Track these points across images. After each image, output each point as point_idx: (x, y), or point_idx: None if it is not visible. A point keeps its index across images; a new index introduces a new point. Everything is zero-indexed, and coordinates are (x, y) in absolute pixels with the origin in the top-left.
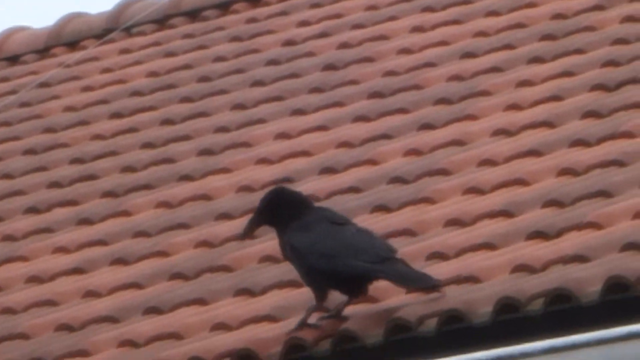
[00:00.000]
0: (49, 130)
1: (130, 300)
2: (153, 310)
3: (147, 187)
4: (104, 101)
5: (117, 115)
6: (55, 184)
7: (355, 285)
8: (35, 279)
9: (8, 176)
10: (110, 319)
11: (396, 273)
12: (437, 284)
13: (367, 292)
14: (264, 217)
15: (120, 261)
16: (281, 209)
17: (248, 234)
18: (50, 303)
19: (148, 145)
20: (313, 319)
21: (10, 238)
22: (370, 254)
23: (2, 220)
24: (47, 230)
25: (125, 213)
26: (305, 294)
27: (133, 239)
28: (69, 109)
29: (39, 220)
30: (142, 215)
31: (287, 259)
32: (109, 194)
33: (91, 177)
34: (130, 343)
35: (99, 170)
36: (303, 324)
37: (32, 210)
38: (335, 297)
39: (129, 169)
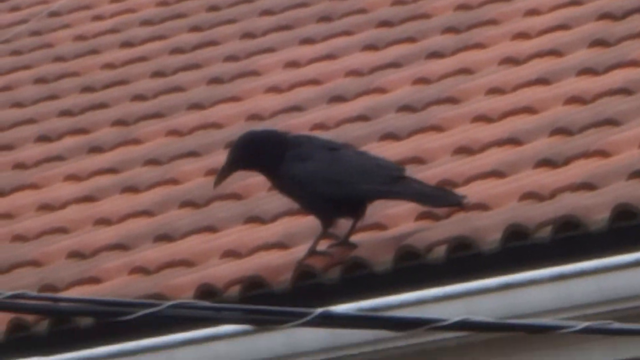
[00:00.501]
0: (59, 59)
1: (141, 228)
2: (163, 237)
3: (157, 115)
4: (113, 30)
5: (127, 44)
6: (65, 113)
7: (360, 208)
8: (46, 207)
9: (19, 105)
10: (121, 246)
11: (416, 192)
12: (460, 200)
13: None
14: (243, 164)
15: (130, 189)
16: (261, 151)
17: (219, 183)
18: (61, 230)
19: (158, 74)
20: (322, 247)
21: (21, 166)
22: (381, 175)
23: (13, 148)
24: (58, 158)
25: (136, 141)
26: (314, 221)
27: (143, 167)
28: (79, 38)
29: (49, 149)
30: (152, 143)
31: (285, 192)
32: (119, 122)
33: (101, 105)
34: (140, 270)
35: (109, 98)
36: (312, 252)
37: (43, 138)
38: (343, 225)
39: (139, 97)
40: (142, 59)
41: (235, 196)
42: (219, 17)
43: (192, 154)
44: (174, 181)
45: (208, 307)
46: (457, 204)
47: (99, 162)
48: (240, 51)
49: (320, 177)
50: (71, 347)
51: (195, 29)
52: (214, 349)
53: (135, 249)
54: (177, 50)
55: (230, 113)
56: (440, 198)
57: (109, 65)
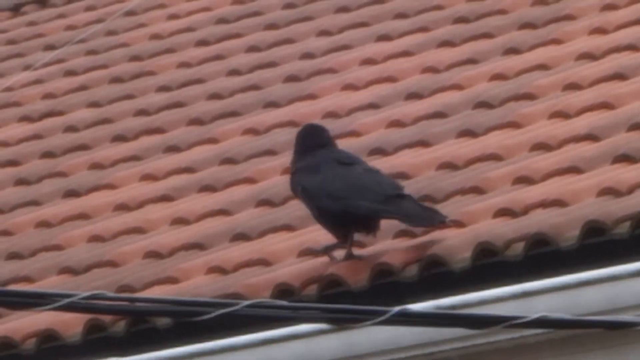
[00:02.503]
0: (136, 58)
1: (217, 227)
2: (241, 236)
3: (233, 114)
4: (189, 29)
5: (202, 42)
6: (142, 112)
7: (366, 224)
8: (123, 207)
9: (95, 104)
10: (198, 245)
11: (402, 211)
12: (443, 220)
13: (378, 229)
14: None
15: (208, 188)
16: (300, 147)
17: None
18: (137, 230)
19: (234, 72)
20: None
21: (98, 166)
22: (376, 193)
23: (90, 148)
24: (135, 158)
25: (212, 140)
26: (389, 221)
27: (220, 165)
28: (155, 37)
29: (126, 149)
30: (229, 142)
31: (299, 198)
32: (196, 121)
33: (178, 104)
34: (218, 269)
35: (186, 97)
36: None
37: (120, 138)
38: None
39: (215, 96)
40: (217, 57)
41: None
42: (295, 14)
43: (269, 152)
44: (250, 180)
45: (285, 306)
46: (439, 225)
47: (175, 162)
48: (317, 49)
49: (324, 191)
50: (148, 347)
51: (271, 26)
52: (292, 348)
53: (212, 249)
54: (253, 49)
55: (307, 111)
56: (425, 219)
57: (185, 64)
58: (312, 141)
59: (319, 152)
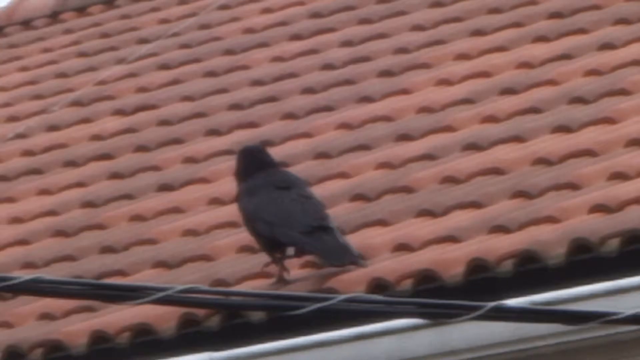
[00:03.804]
0: (229, 52)
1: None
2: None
3: (327, 108)
4: (283, 23)
5: (296, 37)
6: (236, 106)
7: (295, 251)
8: (217, 201)
9: (189, 98)
10: None
11: (319, 247)
12: (354, 260)
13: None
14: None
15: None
16: (242, 169)
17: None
18: (231, 225)
19: (328, 66)
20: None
21: (192, 160)
22: (302, 224)
23: (184, 142)
24: (229, 152)
25: (307, 134)
26: (486, 214)
27: (314, 160)
28: (249, 30)
29: (220, 142)
30: (323, 136)
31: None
32: (289, 115)
33: (272, 99)
34: (312, 264)
35: (280, 92)
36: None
37: (214, 132)
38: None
39: (309, 90)
40: (311, 51)
41: (407, 189)
42: (389, 9)
43: (363, 147)
44: (344, 175)
45: (381, 300)
46: (352, 263)
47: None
48: (411, 43)
49: (258, 216)
50: (242, 341)
51: (365, 21)
52: (385, 343)
53: None
54: (347, 43)
55: (400, 106)
56: (337, 257)
57: (278, 58)
58: (253, 164)
59: (259, 175)
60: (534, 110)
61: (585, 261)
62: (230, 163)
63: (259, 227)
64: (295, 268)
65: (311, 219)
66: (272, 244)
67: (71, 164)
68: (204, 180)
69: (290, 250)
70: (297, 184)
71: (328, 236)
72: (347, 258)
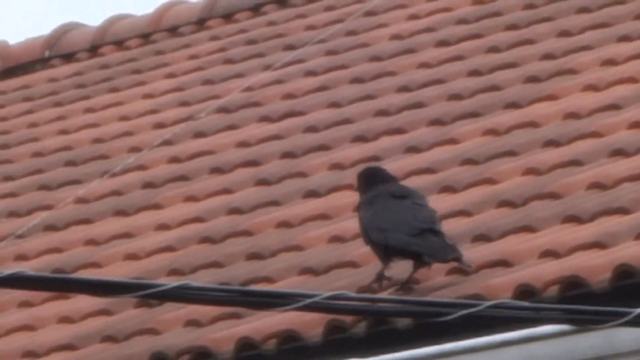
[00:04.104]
0: (376, 58)
1: (458, 228)
2: (481, 237)
3: (473, 114)
4: (430, 29)
5: (443, 43)
6: (382, 112)
7: (405, 255)
8: None
9: (336, 105)
10: None
11: (424, 245)
12: (457, 257)
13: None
14: (356, 186)
15: (448, 189)
16: (362, 185)
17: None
18: None
19: (474, 73)
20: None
21: (338, 166)
22: (411, 227)
23: (331, 148)
24: (375, 158)
25: (452, 141)
26: (633, 220)
27: (460, 166)
28: (395, 37)
29: (366, 149)
30: (469, 142)
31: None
32: (436, 122)
33: (418, 105)
34: (459, 270)
35: (426, 98)
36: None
37: (360, 138)
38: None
39: (455, 96)
40: (458, 57)
41: (554, 195)
42: (535, 15)
43: (509, 153)
44: (491, 181)
45: (527, 307)
46: (456, 260)
47: (415, 162)
48: (557, 49)
49: (373, 224)
50: (389, 348)
51: (512, 27)
52: (533, 349)
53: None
54: (493, 49)
55: (547, 112)
56: (442, 254)
57: (425, 65)
58: (373, 179)
59: (378, 187)
60: None
61: None
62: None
63: (374, 234)
64: (442, 275)
65: (421, 222)
66: (385, 250)
67: (217, 170)
68: (350, 187)
69: (427, 259)
70: (413, 194)
71: (435, 237)
72: (450, 254)
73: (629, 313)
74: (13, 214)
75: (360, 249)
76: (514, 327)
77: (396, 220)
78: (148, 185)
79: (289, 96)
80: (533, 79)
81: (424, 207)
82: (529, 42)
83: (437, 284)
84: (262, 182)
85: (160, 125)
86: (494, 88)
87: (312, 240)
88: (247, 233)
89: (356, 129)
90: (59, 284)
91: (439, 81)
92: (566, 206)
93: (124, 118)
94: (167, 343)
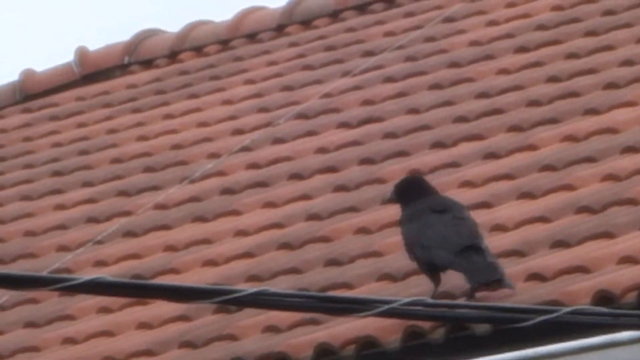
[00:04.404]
0: (455, 64)
1: (537, 234)
2: (560, 243)
3: (552, 120)
4: (509, 35)
5: (522, 49)
6: (461, 119)
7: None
8: None
9: (414, 111)
10: (517, 252)
11: (467, 266)
12: (499, 278)
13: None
14: (395, 198)
15: (526, 195)
16: (404, 194)
17: (384, 202)
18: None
19: (553, 79)
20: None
21: (417, 173)
22: (454, 244)
23: (409, 154)
24: (454, 164)
25: (531, 147)
26: None
27: (539, 172)
28: (474, 43)
29: (445, 155)
30: (548, 149)
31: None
32: (515, 128)
33: (497, 111)
34: (537, 277)
35: (505, 104)
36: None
37: (439, 144)
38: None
39: (534, 103)
40: (537, 64)
41: (632, 201)
42: (615, 21)
43: (588, 159)
44: (569, 187)
45: (606, 313)
46: (493, 282)
47: (494, 168)
48: (636, 55)
49: (417, 241)
50: (467, 354)
51: (591, 33)
52: (612, 355)
53: (531, 255)
54: (572, 55)
55: (626, 118)
56: (483, 275)
57: (504, 71)
58: (413, 191)
59: (418, 201)
60: None
61: None
62: (456, 175)
63: (418, 251)
64: (521, 280)
65: (463, 239)
66: (431, 267)
67: (296, 176)
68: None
69: (470, 282)
70: (454, 208)
71: (477, 256)
72: (492, 276)
73: None
74: (92, 219)
75: None
76: (593, 333)
77: (439, 237)
78: (227, 191)
79: (367, 102)
80: (612, 85)
81: (466, 221)
82: (608, 48)
83: (517, 289)
84: (341, 188)
85: (239, 132)
86: (573, 94)
87: (391, 246)
88: (325, 239)
89: (435, 135)
90: (138, 290)
91: (517, 87)
92: None
93: (203, 124)
94: (245, 349)
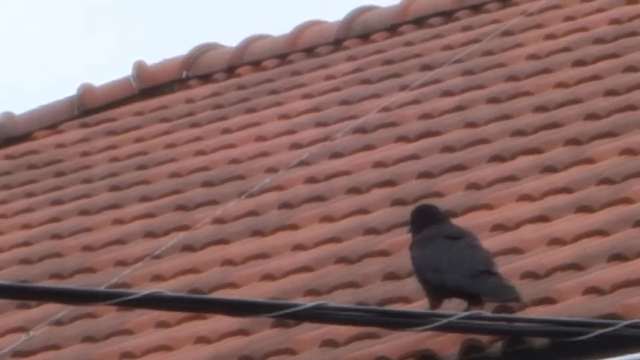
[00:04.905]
0: (512, 78)
1: (595, 247)
2: (618, 257)
3: (610, 134)
4: (566, 49)
5: (579, 62)
6: (519, 132)
7: (461, 296)
8: (500, 227)
9: (472, 125)
10: (575, 266)
11: (482, 287)
12: (517, 297)
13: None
14: (410, 229)
15: (584, 208)
16: (415, 222)
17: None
18: (515, 251)
19: (611, 92)
20: None
21: (475, 187)
22: (468, 268)
23: (467, 168)
24: (512, 178)
25: (589, 160)
26: None
27: (597, 186)
28: (532, 57)
29: (503, 169)
30: (606, 162)
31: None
32: (573, 141)
33: (554, 125)
34: (595, 290)
35: (563, 118)
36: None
37: (497, 158)
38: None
39: (592, 116)
40: (595, 77)
41: None
42: None
43: None
44: (627, 200)
45: None
46: (516, 301)
47: (552, 182)
48: None
49: (429, 265)
50: None
51: None
52: None
53: (589, 269)
54: (630, 69)
55: None
56: (502, 294)
57: (562, 84)
58: (426, 218)
59: (432, 227)
60: None
61: None
62: (514, 189)
63: (429, 275)
64: (578, 294)
65: (479, 264)
66: (440, 291)
67: (354, 191)
68: (486, 207)
69: (487, 299)
70: (468, 235)
71: (493, 278)
72: (510, 295)
73: None
74: (150, 234)
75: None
76: None
77: (452, 261)
78: (284, 205)
79: (425, 116)
80: None
81: (479, 248)
82: None
83: (573, 303)
84: (399, 202)
85: (296, 146)
86: (631, 108)
87: None
88: (383, 253)
89: (492, 149)
90: (196, 304)
91: (575, 101)
92: None
93: (261, 139)
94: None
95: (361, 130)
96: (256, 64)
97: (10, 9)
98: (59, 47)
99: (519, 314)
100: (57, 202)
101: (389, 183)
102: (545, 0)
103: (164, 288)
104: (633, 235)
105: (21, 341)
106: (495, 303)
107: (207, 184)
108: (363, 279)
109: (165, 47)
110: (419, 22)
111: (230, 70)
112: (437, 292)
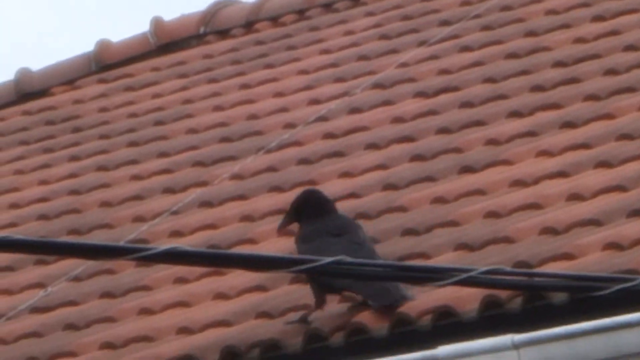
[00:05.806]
0: (531, 33)
1: (614, 203)
2: (637, 213)
3: (629, 89)
4: (585, 4)
5: (599, 18)
6: (538, 88)
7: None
8: (519, 183)
9: (491, 80)
10: (595, 222)
11: (363, 289)
12: (398, 298)
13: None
14: (292, 216)
15: (604, 164)
16: (302, 211)
17: (281, 228)
18: (534, 206)
19: (630, 47)
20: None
21: (493, 142)
22: None
23: (486, 124)
24: (531, 134)
25: (609, 116)
26: None
27: (617, 141)
28: (551, 12)
29: (522, 124)
30: (626, 117)
31: None
32: (592, 97)
33: (574, 80)
34: (614, 246)
35: (582, 73)
36: (303, 319)
37: (516, 114)
38: None
39: (611, 71)
40: (613, 32)
41: None
42: None
43: None
44: None
45: None
46: (399, 301)
47: (571, 138)
48: None
49: None
50: (544, 323)
51: None
52: None
53: (609, 225)
54: None
55: None
56: (381, 298)
57: (581, 40)
58: (312, 208)
59: (316, 221)
60: None
61: None
62: (533, 145)
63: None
64: (598, 250)
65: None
66: (327, 288)
67: (373, 146)
68: (505, 162)
69: (372, 304)
70: (350, 230)
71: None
72: (389, 298)
73: None
74: (168, 190)
75: (517, 224)
76: None
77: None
78: (303, 161)
79: (444, 72)
80: None
81: (362, 246)
82: None
83: (593, 259)
84: (418, 157)
85: (315, 102)
86: None
87: (468, 215)
88: (402, 209)
89: (511, 104)
90: (215, 260)
91: (594, 56)
92: None
93: (279, 94)
94: (322, 320)
95: (380, 85)
96: (274, 20)
97: None
98: (76, 3)
99: (539, 269)
100: (75, 158)
101: (407, 138)
102: None
103: (183, 244)
104: None
105: (39, 297)
106: (381, 306)
107: (225, 139)
108: (382, 234)
109: (183, 3)
110: None
111: (248, 25)
112: (324, 290)
